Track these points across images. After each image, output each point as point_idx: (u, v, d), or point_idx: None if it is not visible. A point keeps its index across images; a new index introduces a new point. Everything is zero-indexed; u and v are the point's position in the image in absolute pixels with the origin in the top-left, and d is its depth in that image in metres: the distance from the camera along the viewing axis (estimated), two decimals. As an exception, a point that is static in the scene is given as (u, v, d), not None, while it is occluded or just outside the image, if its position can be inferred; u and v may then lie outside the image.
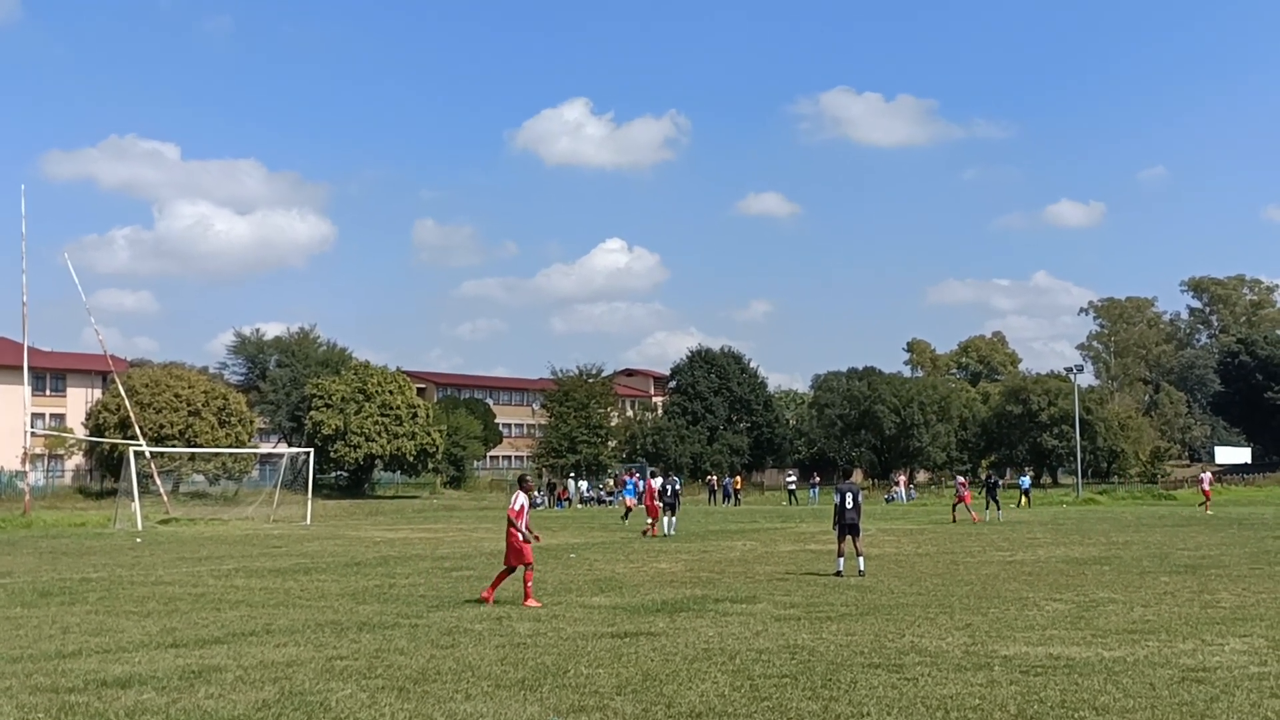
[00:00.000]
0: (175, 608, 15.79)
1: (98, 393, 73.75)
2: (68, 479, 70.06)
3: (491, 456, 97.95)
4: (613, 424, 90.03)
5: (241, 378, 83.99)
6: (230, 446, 64.03)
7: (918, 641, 12.02)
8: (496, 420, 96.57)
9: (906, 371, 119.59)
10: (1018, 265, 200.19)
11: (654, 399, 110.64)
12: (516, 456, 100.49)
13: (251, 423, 71.42)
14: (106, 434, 59.84)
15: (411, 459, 73.12)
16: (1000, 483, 44.62)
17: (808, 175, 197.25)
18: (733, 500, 64.49)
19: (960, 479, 44.06)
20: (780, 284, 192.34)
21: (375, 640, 12.42)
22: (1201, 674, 10.00)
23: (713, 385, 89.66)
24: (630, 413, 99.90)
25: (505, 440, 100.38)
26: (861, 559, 19.48)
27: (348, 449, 70.66)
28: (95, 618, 14.74)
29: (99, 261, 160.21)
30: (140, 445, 47.21)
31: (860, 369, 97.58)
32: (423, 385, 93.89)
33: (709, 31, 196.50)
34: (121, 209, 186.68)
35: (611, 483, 73.99)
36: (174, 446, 57.90)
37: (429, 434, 73.64)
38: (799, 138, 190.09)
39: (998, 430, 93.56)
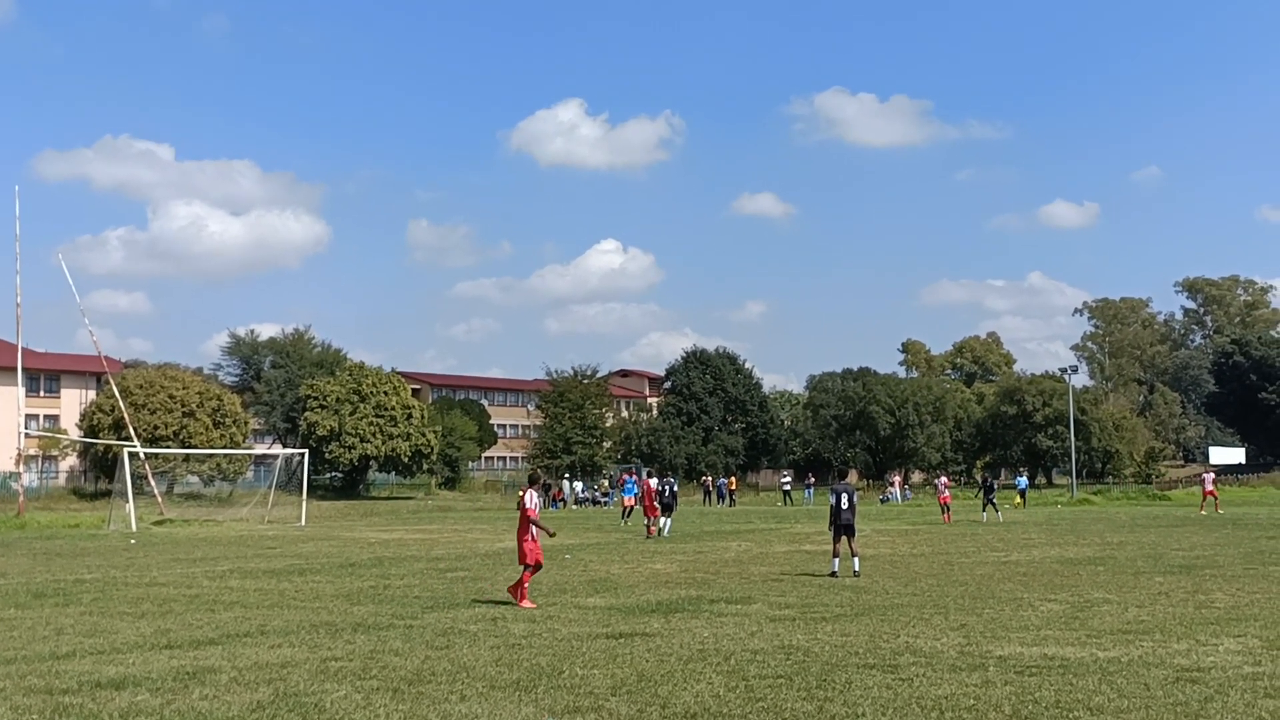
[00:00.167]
0: (170, 609, 15.76)
1: (92, 394, 73.61)
2: (62, 480, 69.94)
3: (486, 457, 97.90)
4: (608, 425, 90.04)
5: (236, 379, 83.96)
6: (225, 448, 63.97)
7: (913, 642, 12.03)
8: (491, 421, 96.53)
9: (901, 372, 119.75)
10: (1012, 266, 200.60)
11: (649, 400, 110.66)
12: (511, 457, 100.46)
13: (246, 424, 71.37)
14: (101, 435, 59.75)
15: (406, 460, 73.09)
16: (996, 485, 44.65)
17: (802, 176, 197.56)
18: (727, 501, 64.51)
19: (944, 479, 44.05)
20: (775, 284, 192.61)
21: (370, 641, 12.41)
22: (1196, 674, 10.02)
23: (708, 386, 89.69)
24: (625, 413, 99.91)
25: (500, 441, 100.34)
26: (856, 559, 19.49)
27: (342, 450, 70.61)
28: (89, 619, 14.71)
29: (93, 262, 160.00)
30: (134, 446, 47.14)
31: (855, 369, 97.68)
32: (417, 386, 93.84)
33: (704, 32, 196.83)
34: (116, 209, 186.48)
35: (606, 483, 74.01)
36: (168, 448, 57.84)
37: (424, 435, 73.60)
38: (794, 138, 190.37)
39: (992, 431, 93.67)
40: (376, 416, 71.80)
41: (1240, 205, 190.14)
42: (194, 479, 67.04)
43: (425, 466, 76.47)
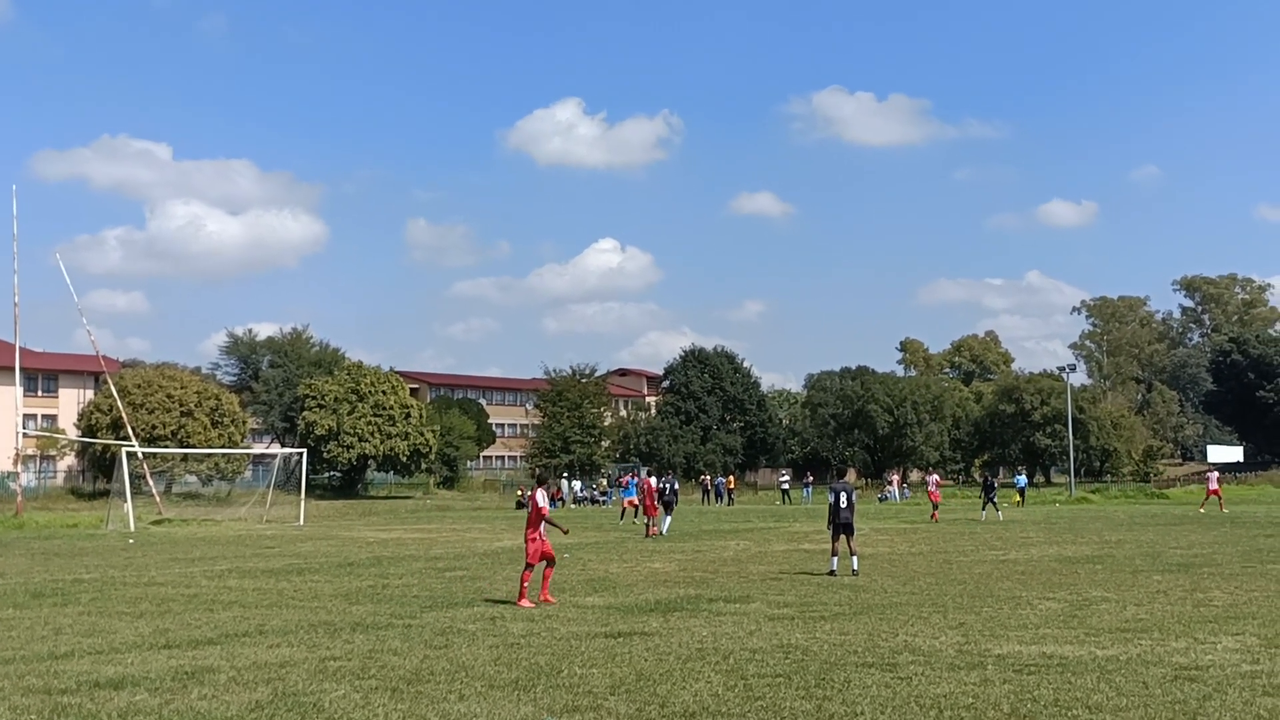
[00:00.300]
0: (168, 609, 15.75)
1: (90, 393, 73.57)
2: (60, 480, 69.89)
3: (485, 457, 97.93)
4: (606, 424, 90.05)
5: (234, 378, 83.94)
6: (223, 447, 63.96)
7: (911, 640, 12.04)
8: (490, 420, 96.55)
9: (899, 371, 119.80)
10: (1010, 265, 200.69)
11: (647, 399, 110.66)
12: (510, 457, 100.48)
13: (244, 423, 71.37)
14: (99, 435, 59.72)
15: (404, 459, 73.08)
16: (997, 483, 44.62)
17: (801, 175, 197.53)
18: (726, 500, 64.51)
19: (934, 477, 44.00)
20: (773, 284, 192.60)
21: (369, 641, 12.41)
22: (1194, 672, 10.02)
23: (706, 385, 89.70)
24: (624, 412, 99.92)
25: (499, 440, 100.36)
26: (855, 558, 19.49)
27: (341, 449, 70.60)
28: (88, 619, 14.70)
29: (91, 262, 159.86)
30: (133, 446, 47.11)
31: (853, 368, 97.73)
32: (416, 385, 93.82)
33: (702, 31, 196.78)
34: (113, 209, 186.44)
35: (605, 482, 74.02)
36: (166, 447, 57.80)
37: (422, 434, 73.59)
38: (792, 137, 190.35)
39: (991, 429, 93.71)
40: (375, 416, 71.78)
41: (1238, 204, 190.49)
42: (192, 479, 67.02)
43: (423, 466, 76.47)
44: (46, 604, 16.51)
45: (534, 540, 15.75)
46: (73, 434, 66.56)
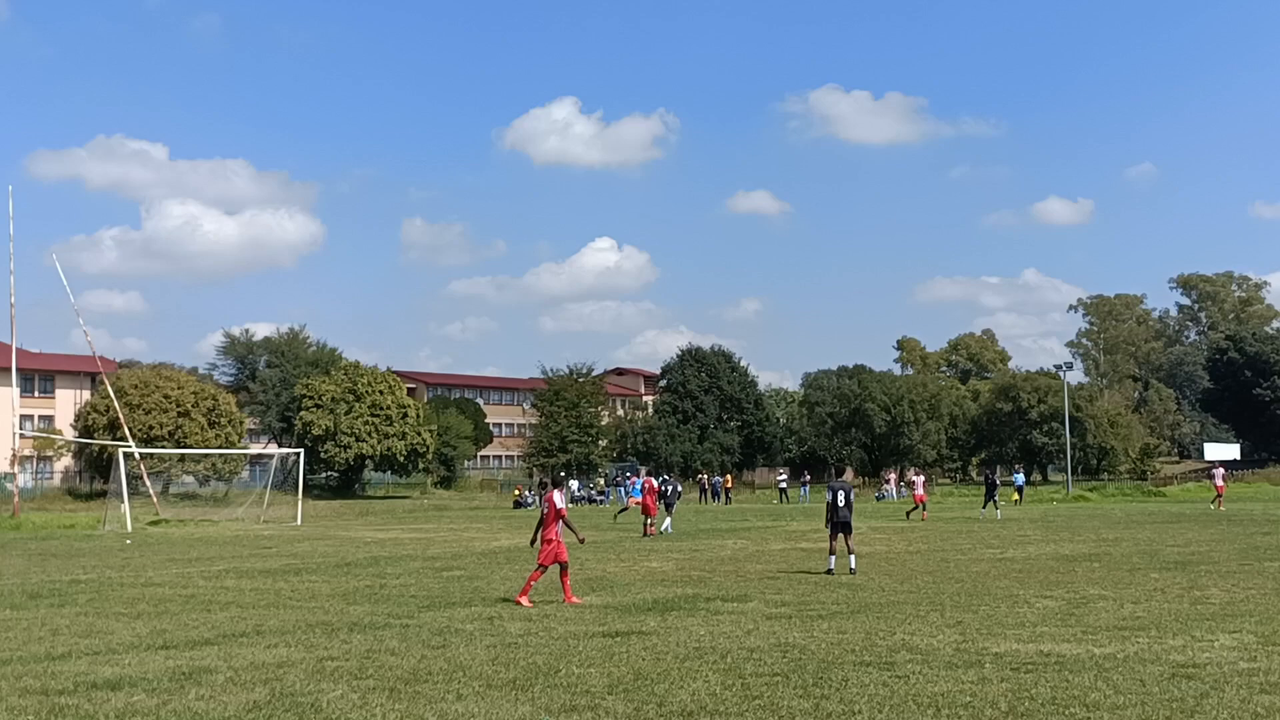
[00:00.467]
0: (165, 609, 15.74)
1: (86, 394, 73.52)
2: (57, 480, 69.84)
3: (482, 456, 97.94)
4: (603, 423, 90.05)
5: (231, 378, 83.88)
6: (220, 447, 63.93)
7: (909, 639, 12.04)
8: (487, 420, 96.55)
9: (896, 369, 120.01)
10: (1007, 263, 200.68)
11: (644, 398, 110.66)
12: (507, 456, 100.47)
13: (241, 423, 71.33)
14: (95, 435, 59.66)
15: (402, 459, 73.07)
16: (999, 481, 44.59)
17: (797, 173, 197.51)
18: (723, 499, 64.54)
19: (919, 478, 43.91)
20: (770, 282, 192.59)
21: (366, 641, 12.40)
22: (1191, 670, 10.03)
23: (703, 384, 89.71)
24: (621, 412, 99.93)
25: (496, 440, 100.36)
26: (853, 557, 19.50)
27: (338, 449, 70.57)
28: (85, 619, 14.69)
29: (87, 262, 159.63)
30: (129, 446, 47.07)
31: (850, 367, 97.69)
32: (413, 385, 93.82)
33: (697, 30, 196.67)
34: (109, 209, 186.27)
35: (602, 482, 74.05)
36: (163, 448, 57.80)
37: (419, 434, 73.59)
38: (788, 136, 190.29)
39: (988, 428, 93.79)
40: (372, 416, 71.76)
41: (1234, 202, 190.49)
42: (189, 479, 67.01)
43: (421, 465, 76.48)
44: (43, 605, 16.50)
45: (550, 542, 15.63)
46: (69, 434, 66.52)
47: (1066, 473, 75.89)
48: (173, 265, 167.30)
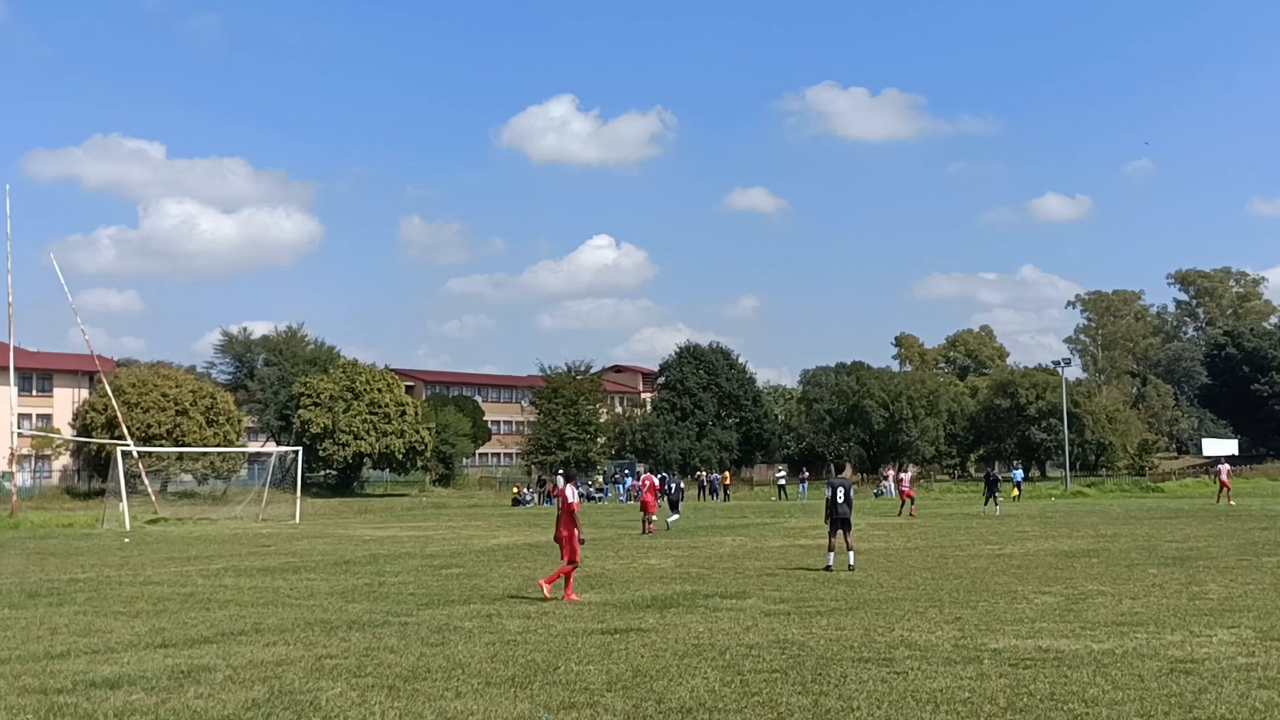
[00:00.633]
0: (164, 608, 15.73)
1: (84, 393, 73.48)
2: (55, 479, 69.84)
3: (480, 454, 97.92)
4: (601, 420, 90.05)
5: (229, 377, 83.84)
6: (218, 446, 63.92)
7: (907, 635, 12.04)
8: (485, 417, 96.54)
9: (895, 366, 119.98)
10: (1004, 259, 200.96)
11: (643, 395, 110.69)
12: (505, 454, 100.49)
13: (239, 422, 71.33)
14: (94, 434, 59.63)
15: (400, 457, 73.08)
16: (1000, 477, 44.60)
17: (794, 170, 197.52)
18: (722, 496, 64.56)
19: (905, 475, 43.85)
20: (768, 279, 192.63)
21: (365, 639, 12.40)
22: (1190, 665, 10.03)
23: (701, 381, 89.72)
24: (619, 409, 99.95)
25: (494, 437, 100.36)
26: (851, 553, 19.50)
27: (336, 447, 70.56)
28: (83, 618, 14.68)
29: (84, 261, 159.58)
30: (128, 445, 47.06)
31: (848, 364, 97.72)
32: (411, 383, 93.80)
33: (695, 27, 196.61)
34: (106, 208, 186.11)
35: (601, 479, 74.04)
36: (162, 446, 57.77)
37: (417, 432, 73.58)
38: (785, 133, 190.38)
39: (986, 424, 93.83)
40: (370, 414, 71.75)
41: (1232, 197, 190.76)
42: (188, 477, 67.00)
43: (419, 463, 76.49)
44: (42, 604, 16.49)
45: (571, 539, 15.80)
46: (68, 433, 66.48)
47: (1065, 468, 75.93)
48: (170, 264, 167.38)
